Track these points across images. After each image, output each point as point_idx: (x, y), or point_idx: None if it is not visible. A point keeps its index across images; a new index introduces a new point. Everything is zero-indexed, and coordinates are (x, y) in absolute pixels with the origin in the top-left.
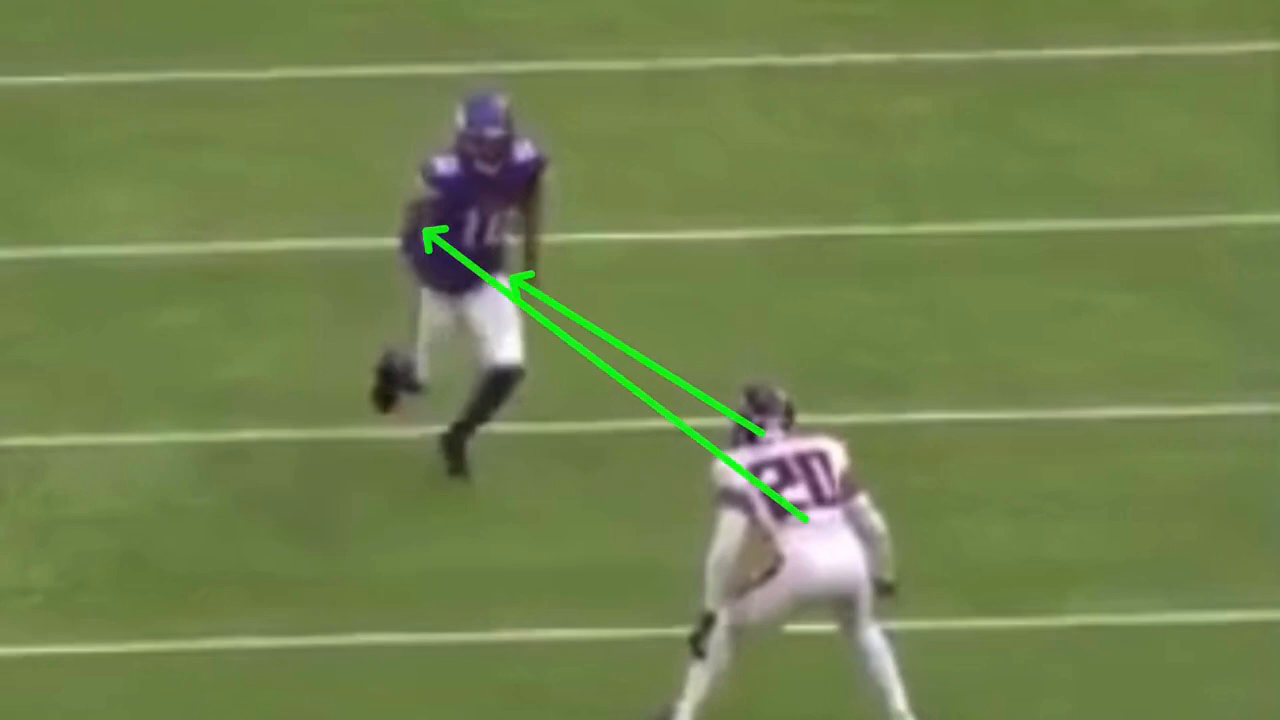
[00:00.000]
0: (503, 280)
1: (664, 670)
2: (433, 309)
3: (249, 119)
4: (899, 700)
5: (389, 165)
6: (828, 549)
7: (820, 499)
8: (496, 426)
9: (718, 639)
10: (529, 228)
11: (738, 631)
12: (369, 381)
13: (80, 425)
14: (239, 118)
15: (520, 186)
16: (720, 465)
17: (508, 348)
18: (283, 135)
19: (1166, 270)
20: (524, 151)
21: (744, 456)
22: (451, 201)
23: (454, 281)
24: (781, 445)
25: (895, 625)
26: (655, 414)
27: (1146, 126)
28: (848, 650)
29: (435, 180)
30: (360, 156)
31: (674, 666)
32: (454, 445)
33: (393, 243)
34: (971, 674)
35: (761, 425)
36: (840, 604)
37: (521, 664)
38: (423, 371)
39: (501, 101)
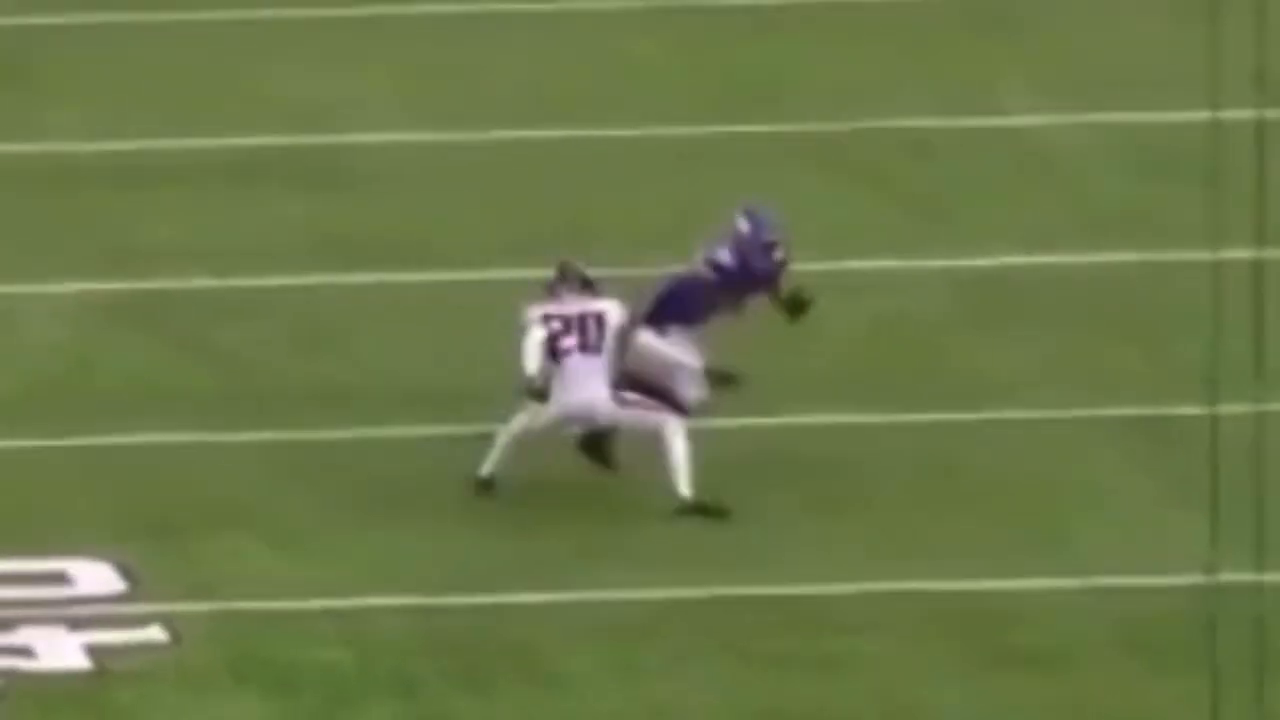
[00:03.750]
0: None
1: None
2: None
3: None
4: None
5: None
6: (576, 387)
7: (585, 348)
8: None
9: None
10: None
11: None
12: None
13: None
14: None
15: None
16: (528, 309)
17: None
18: None
19: None
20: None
21: (540, 308)
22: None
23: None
24: (572, 305)
25: None
26: None
27: None
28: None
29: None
30: None
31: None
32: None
33: None
34: None
35: (557, 288)
36: (588, 423)
37: None
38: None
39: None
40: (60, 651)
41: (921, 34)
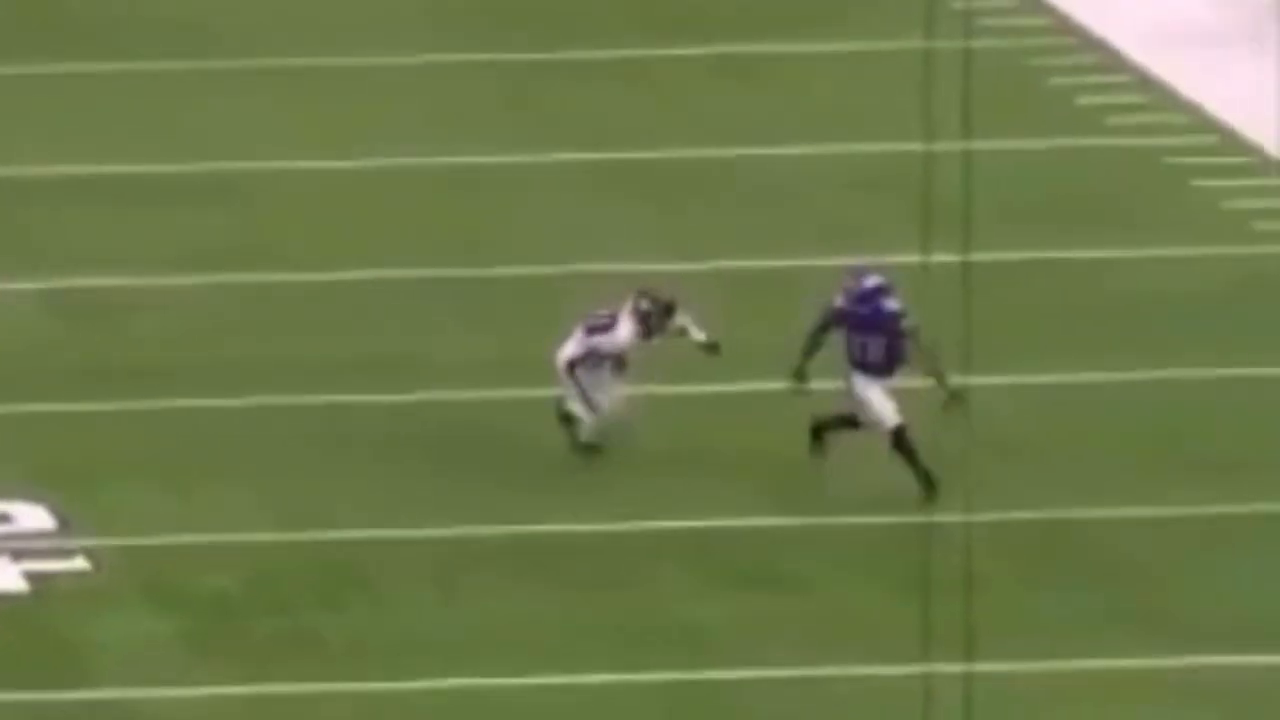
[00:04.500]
0: None
1: None
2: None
3: None
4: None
5: None
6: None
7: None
8: None
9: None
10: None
11: None
12: None
13: None
14: None
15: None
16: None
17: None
18: None
19: None
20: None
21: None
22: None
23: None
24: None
25: None
26: None
27: None
28: None
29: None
30: None
31: None
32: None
33: None
34: None
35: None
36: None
37: None
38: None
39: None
40: (4, 577)
41: (681, 81)
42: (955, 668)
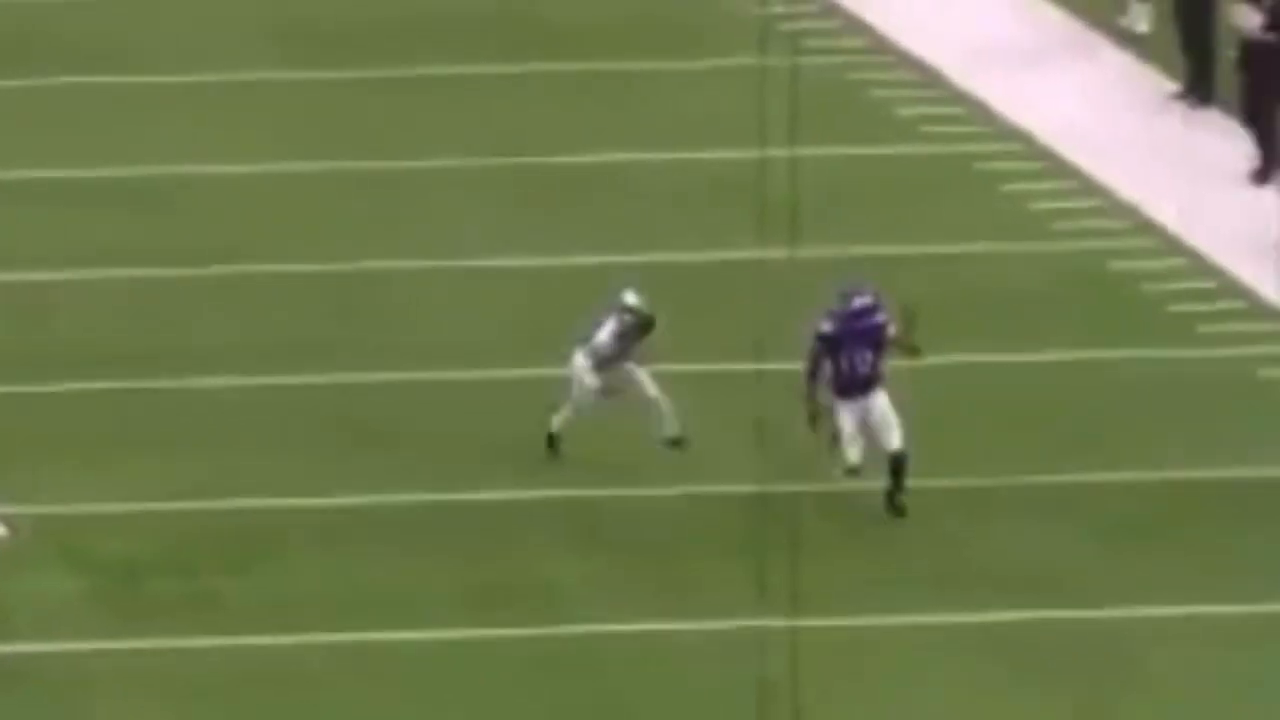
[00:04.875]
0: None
1: None
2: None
3: None
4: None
5: None
6: None
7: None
8: None
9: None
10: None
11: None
12: None
13: None
14: None
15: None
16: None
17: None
18: None
19: None
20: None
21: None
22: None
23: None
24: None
25: None
26: None
27: None
28: None
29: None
30: None
31: None
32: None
33: None
34: None
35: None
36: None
37: None
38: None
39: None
40: None
41: (549, 95)
42: (784, 622)
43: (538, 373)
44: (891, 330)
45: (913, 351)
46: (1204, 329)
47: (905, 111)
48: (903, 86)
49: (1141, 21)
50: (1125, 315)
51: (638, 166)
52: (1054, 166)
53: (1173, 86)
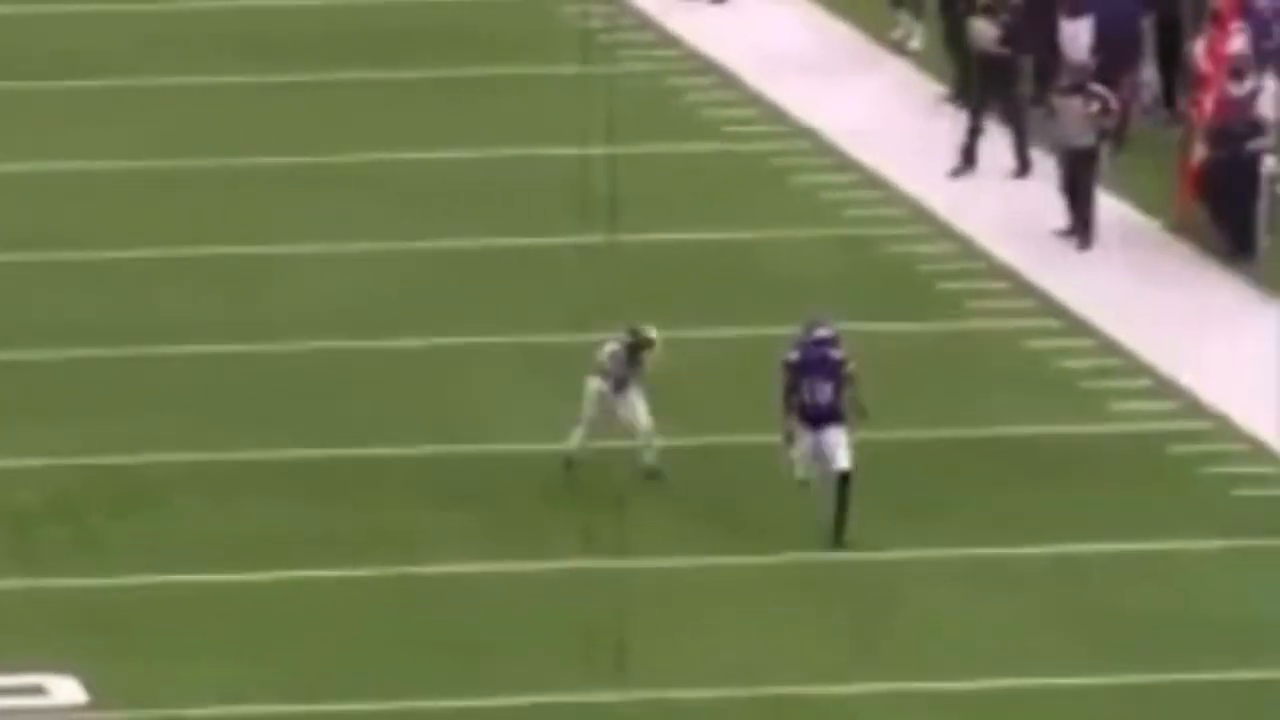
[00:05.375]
0: None
1: None
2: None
3: None
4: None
5: None
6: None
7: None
8: None
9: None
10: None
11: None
12: None
13: None
14: None
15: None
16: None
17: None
18: None
19: None
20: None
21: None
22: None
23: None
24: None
25: None
26: None
27: None
28: None
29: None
30: None
31: None
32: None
33: None
34: None
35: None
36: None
37: None
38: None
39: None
40: None
41: (395, 98)
42: (611, 563)
43: (395, 344)
44: (850, 368)
45: (861, 412)
46: (972, 305)
47: (710, 114)
48: (708, 91)
49: (915, 38)
50: (902, 293)
51: (472, 163)
52: (840, 162)
53: (942, 90)
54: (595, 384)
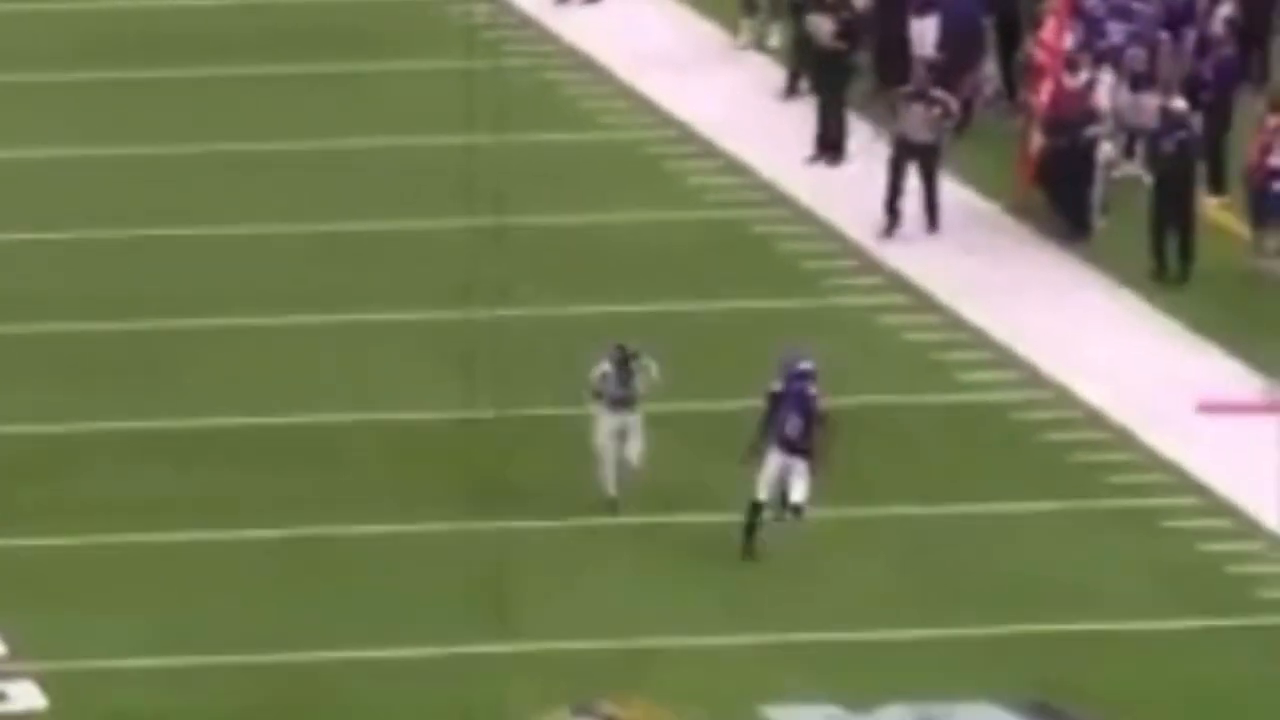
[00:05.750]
0: None
1: None
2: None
3: None
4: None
5: None
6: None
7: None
8: None
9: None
10: None
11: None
12: None
13: None
14: None
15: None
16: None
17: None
18: None
19: None
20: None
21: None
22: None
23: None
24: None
25: None
26: None
27: None
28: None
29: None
30: None
31: None
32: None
33: None
34: None
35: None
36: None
37: None
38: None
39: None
40: None
41: (293, 90)
42: (494, 524)
43: (291, 320)
44: (821, 404)
45: (821, 453)
46: (828, 283)
47: (586, 105)
48: (584, 85)
49: (774, 36)
50: (764, 272)
51: (365, 152)
52: (705, 149)
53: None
54: (593, 409)
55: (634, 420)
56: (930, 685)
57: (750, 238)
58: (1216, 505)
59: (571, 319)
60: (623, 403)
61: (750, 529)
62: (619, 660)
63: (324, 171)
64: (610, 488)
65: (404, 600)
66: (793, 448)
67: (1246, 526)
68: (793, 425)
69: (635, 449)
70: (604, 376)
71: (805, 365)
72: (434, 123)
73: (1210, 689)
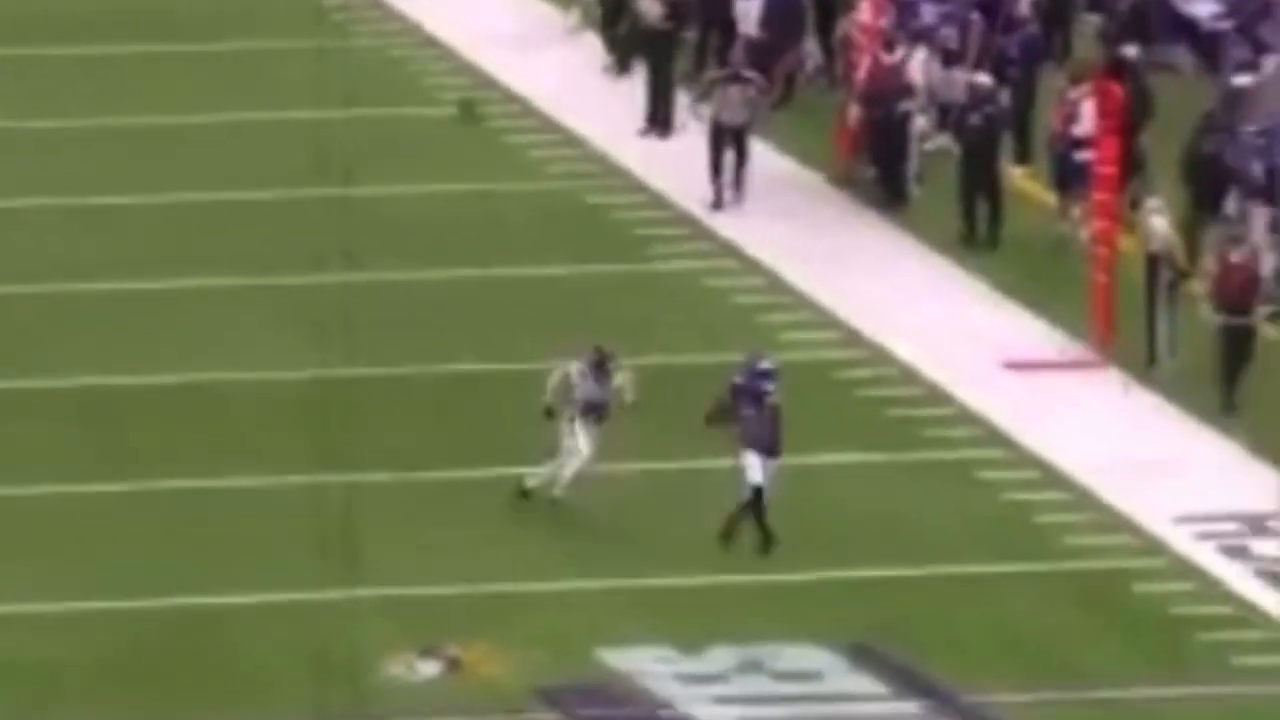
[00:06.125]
0: None
1: None
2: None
3: None
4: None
5: None
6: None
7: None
8: None
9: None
10: None
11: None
12: None
13: None
14: None
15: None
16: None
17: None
18: None
19: None
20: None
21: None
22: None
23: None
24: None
25: None
26: None
27: None
28: None
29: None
30: None
31: None
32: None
33: None
34: None
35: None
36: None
37: None
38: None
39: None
40: None
41: (144, 68)
42: (343, 477)
43: (146, 286)
44: (772, 400)
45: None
46: (658, 249)
47: (431, 82)
48: (429, 62)
49: (573, 15)
50: (598, 239)
51: (220, 125)
52: (543, 122)
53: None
54: (571, 422)
55: (591, 428)
56: (758, 628)
57: (585, 207)
58: (1022, 457)
59: (416, 283)
60: (597, 406)
61: (759, 515)
62: (466, 606)
63: (185, 145)
64: (540, 480)
65: (268, 549)
66: (770, 453)
67: (1051, 477)
68: (754, 421)
69: (585, 442)
70: (581, 375)
71: (765, 365)
72: (287, 98)
73: (1019, 630)
